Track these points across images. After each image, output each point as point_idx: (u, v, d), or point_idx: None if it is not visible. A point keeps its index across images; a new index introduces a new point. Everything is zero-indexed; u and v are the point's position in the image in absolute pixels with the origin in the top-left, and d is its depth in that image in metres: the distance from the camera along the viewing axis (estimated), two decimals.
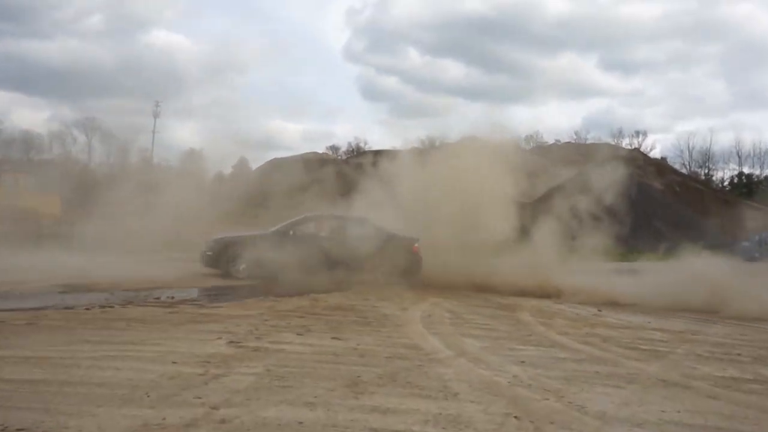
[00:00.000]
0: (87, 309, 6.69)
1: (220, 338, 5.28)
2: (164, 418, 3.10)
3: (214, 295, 8.77)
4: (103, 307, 6.87)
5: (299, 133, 79.46)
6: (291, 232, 11.81)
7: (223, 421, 3.10)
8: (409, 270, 11.07)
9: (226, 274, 11.20)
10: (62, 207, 22.66)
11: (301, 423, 3.15)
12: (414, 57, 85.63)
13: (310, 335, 5.67)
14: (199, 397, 3.51)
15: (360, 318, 6.81)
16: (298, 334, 5.66)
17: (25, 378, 3.79)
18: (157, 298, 7.83)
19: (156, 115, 53.12)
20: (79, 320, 6.02)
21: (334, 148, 54.32)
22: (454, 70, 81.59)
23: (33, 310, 6.45)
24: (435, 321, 6.85)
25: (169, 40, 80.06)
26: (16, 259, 10.88)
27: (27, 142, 50.95)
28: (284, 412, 3.30)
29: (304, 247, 11.16)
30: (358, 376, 4.17)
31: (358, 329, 6.14)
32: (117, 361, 4.33)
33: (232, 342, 5.15)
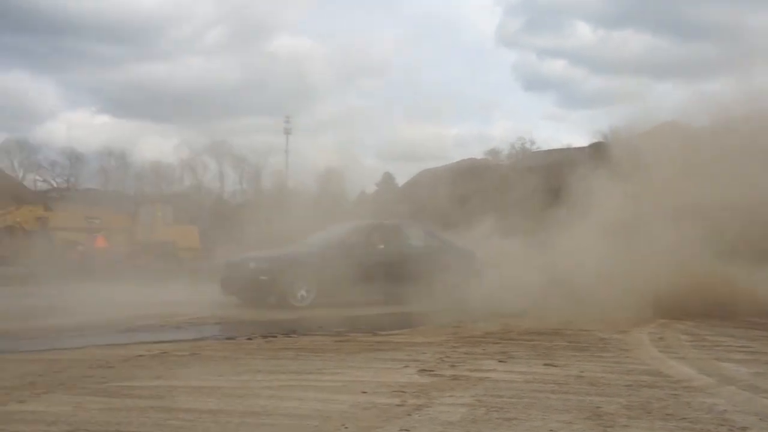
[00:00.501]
0: (249, 339, 7.01)
1: (407, 366, 5.21)
2: None
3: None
4: (265, 336, 7.15)
5: (450, 139, 79.35)
6: (346, 246, 11.39)
7: None
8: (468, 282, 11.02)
9: (283, 303, 10.56)
10: (200, 238, 24.59)
11: None
12: (584, 32, 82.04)
13: (515, 362, 5.43)
14: (407, 430, 3.38)
15: (571, 342, 6.44)
16: (500, 361, 5.45)
17: (202, 408, 3.90)
18: (320, 327, 8.00)
19: (288, 132, 56.01)
20: (243, 350, 6.31)
21: (495, 152, 53.77)
22: (636, 43, 77.18)
23: (193, 341, 6.87)
24: (671, 344, 6.30)
25: (293, 44, 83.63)
26: (164, 291, 11.79)
27: (158, 173, 56.18)
28: None
29: (366, 261, 10.88)
30: (598, 407, 3.83)
31: (573, 354, 5.80)
32: (297, 391, 4.37)
33: (423, 370, 5.05)
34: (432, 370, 5.03)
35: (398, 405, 3.92)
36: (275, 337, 7.15)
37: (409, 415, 3.70)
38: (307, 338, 7.09)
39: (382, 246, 11.74)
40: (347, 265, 10.54)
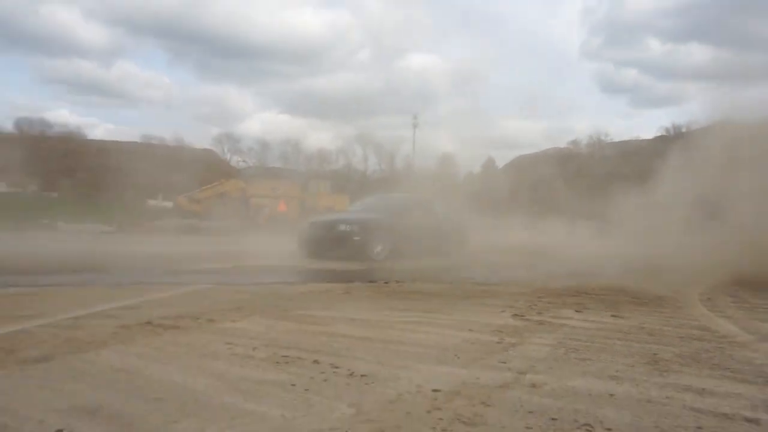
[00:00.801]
0: (385, 283, 7.16)
1: (503, 311, 5.09)
2: (478, 378, 2.99)
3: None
4: (398, 281, 7.28)
5: (540, 131, 77.20)
6: (405, 211, 11.57)
7: (533, 386, 2.87)
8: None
9: (363, 257, 10.38)
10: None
11: (612, 395, 2.77)
12: (654, 46, 77.29)
13: (589, 312, 5.16)
14: (504, 362, 3.34)
15: (634, 299, 6.04)
16: (576, 311, 5.21)
17: (355, 335, 4.05)
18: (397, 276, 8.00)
19: (415, 126, 56.41)
20: (382, 292, 6.41)
21: (576, 143, 51.03)
22: (699, 54, 71.05)
23: (345, 282, 7.12)
24: (719, 305, 5.78)
25: (422, 60, 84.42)
26: None
27: (321, 157, 58.12)
28: (591, 383, 2.95)
29: (419, 224, 11.20)
30: (655, 354, 3.61)
31: (635, 309, 5.43)
32: (423, 326, 4.40)
33: (516, 315, 4.92)
34: (523, 315, 4.90)
35: (497, 342, 3.87)
36: (404, 282, 7.26)
37: (505, 351, 3.65)
38: (431, 284, 7.15)
39: (424, 213, 12.03)
40: (407, 227, 10.90)
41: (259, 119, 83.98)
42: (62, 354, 3.23)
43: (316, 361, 3.23)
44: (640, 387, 2.90)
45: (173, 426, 2.22)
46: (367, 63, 78.10)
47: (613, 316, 5.01)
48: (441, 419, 2.37)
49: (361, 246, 10.49)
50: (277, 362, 3.22)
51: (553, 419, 2.41)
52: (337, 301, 5.69)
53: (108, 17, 78.95)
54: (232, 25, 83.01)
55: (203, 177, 29.23)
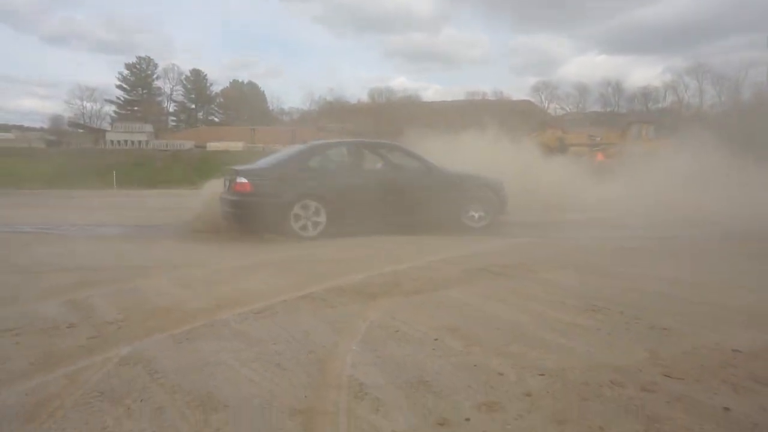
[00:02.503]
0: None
1: None
2: None
3: None
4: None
5: None
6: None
7: None
8: None
9: None
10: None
11: None
12: None
13: None
14: None
15: None
16: None
17: (662, 292, 4.29)
18: None
19: None
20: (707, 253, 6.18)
21: None
22: None
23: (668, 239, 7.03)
24: None
25: None
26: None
27: (645, 95, 52.51)
28: None
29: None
30: None
31: None
32: (737, 290, 4.33)
33: None
34: None
35: None
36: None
37: None
38: None
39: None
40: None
41: (576, 63, 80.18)
42: (428, 290, 4.48)
43: (621, 312, 3.70)
44: None
45: (506, 344, 3.08)
46: None
47: None
48: (734, 375, 2.64)
49: None
50: (586, 310, 3.80)
51: None
52: (647, 258, 5.79)
53: None
54: None
55: (522, 128, 30.17)
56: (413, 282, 4.71)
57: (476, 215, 8.42)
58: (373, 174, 8.18)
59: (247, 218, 7.35)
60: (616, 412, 2.29)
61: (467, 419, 2.23)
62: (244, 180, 7.20)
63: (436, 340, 3.19)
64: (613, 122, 32.64)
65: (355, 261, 5.73)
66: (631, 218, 9.51)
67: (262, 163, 8.29)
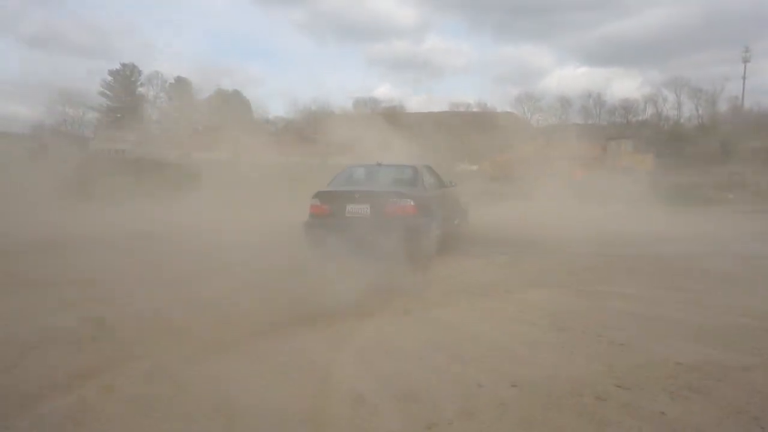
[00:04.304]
0: (686, 258, 7.32)
1: None
2: (724, 360, 3.54)
3: None
4: (689, 257, 7.35)
5: None
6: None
7: None
8: None
9: None
10: (654, 161, 23.49)
11: None
12: None
13: None
14: (758, 348, 3.74)
15: None
16: None
17: (623, 309, 4.81)
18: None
19: (746, 60, 47.12)
20: (670, 269, 6.69)
21: None
22: None
23: (633, 258, 7.55)
24: None
25: None
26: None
27: (626, 108, 53.82)
28: None
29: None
30: None
31: None
32: (699, 307, 4.82)
33: None
34: None
35: (763, 329, 4.18)
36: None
37: (761, 336, 3.98)
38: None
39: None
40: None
41: (557, 75, 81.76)
42: (418, 310, 4.92)
43: (584, 331, 4.21)
44: None
45: (484, 359, 3.56)
46: None
47: None
48: (673, 385, 3.15)
49: None
50: (555, 328, 4.30)
51: None
52: (616, 278, 6.23)
53: None
54: None
55: (504, 140, 30.80)
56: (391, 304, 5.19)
57: (456, 222, 9.39)
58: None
59: (412, 241, 6.97)
60: (573, 418, 2.80)
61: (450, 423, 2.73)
62: (410, 202, 7.28)
63: (423, 357, 3.67)
64: (595, 134, 33.56)
65: None
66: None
67: (386, 184, 8.12)
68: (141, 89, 69.16)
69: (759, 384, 3.15)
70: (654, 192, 15.84)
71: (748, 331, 4.13)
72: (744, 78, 47.41)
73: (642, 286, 5.73)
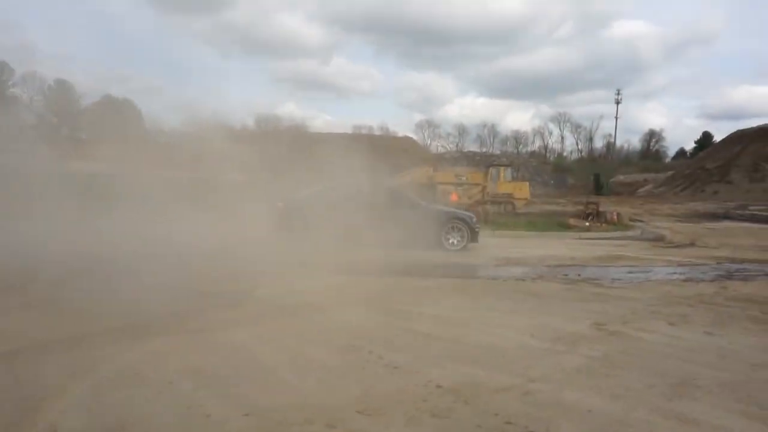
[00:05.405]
0: (504, 281, 7.49)
1: (588, 319, 5.20)
2: (486, 381, 3.51)
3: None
4: (518, 280, 7.51)
5: None
6: None
7: (527, 393, 3.31)
8: None
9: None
10: (530, 189, 24.93)
11: (589, 411, 3.08)
12: None
13: (683, 327, 5.01)
14: (526, 369, 3.76)
15: (762, 314, 5.56)
16: (669, 324, 5.09)
17: (423, 331, 4.69)
18: (566, 275, 7.99)
19: (618, 102, 52.27)
20: (493, 290, 6.77)
21: None
22: None
23: (463, 278, 7.62)
24: None
25: (629, 28, 77.17)
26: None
27: (517, 139, 57.31)
28: (584, 398, 3.26)
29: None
30: (694, 379, 3.62)
31: (747, 326, 5.08)
32: (498, 328, 4.85)
33: (596, 323, 5.03)
34: (603, 324, 4.96)
35: (545, 349, 4.24)
36: (524, 281, 7.46)
37: (542, 358, 4.02)
38: (545, 284, 7.30)
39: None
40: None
41: (457, 104, 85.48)
42: (214, 329, 4.56)
43: (370, 352, 4.05)
44: (631, 408, 3.13)
45: (234, 386, 3.28)
46: (569, 35, 74.11)
47: (706, 333, 4.82)
48: (418, 409, 3.03)
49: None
50: (344, 349, 4.11)
51: None
52: (443, 297, 6.20)
53: (326, 17, 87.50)
54: (432, 14, 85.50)
55: (402, 163, 31.38)
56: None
57: (454, 241, 10.66)
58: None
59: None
60: None
61: None
62: None
63: (171, 383, 3.32)
64: (478, 165, 35.25)
65: None
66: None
67: None
68: (13, 89, 63.19)
69: (504, 406, 3.12)
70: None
71: (529, 352, 4.18)
72: (616, 118, 52.62)
73: (454, 308, 5.68)
